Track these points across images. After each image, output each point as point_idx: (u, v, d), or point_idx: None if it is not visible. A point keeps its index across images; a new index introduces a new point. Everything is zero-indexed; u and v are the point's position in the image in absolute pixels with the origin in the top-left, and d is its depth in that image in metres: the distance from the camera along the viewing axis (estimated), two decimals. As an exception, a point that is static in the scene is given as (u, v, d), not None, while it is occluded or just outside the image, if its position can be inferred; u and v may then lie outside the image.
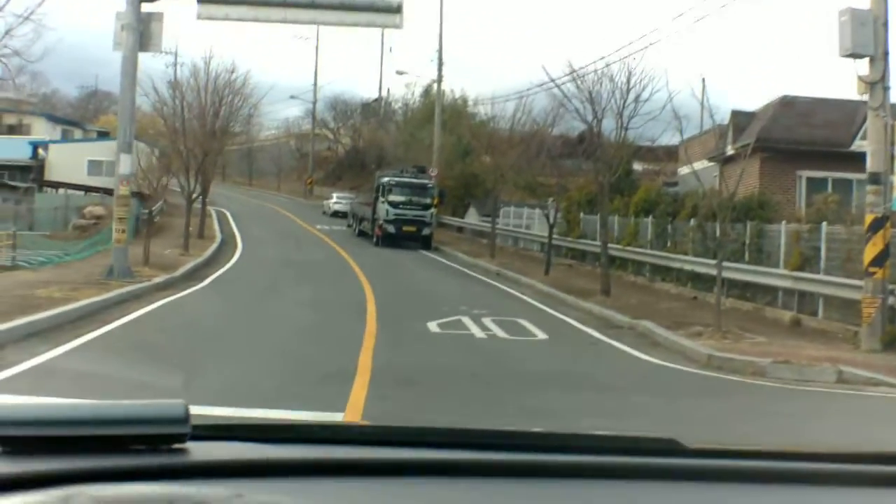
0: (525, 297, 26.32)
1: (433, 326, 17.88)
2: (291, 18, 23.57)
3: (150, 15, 23.61)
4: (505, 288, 29.17)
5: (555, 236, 35.61)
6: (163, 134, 41.91)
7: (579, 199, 40.56)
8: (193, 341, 15.16)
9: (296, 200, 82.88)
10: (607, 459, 2.26)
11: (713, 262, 25.09)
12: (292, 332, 16.61)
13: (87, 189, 50.37)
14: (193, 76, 40.07)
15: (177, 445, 1.91)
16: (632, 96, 25.35)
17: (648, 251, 31.09)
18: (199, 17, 23.68)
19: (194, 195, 37.07)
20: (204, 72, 39.94)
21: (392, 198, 44.82)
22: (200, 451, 1.94)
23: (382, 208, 44.88)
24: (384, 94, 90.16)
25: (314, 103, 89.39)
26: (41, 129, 65.48)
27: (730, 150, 30.38)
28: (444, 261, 39.67)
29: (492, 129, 49.69)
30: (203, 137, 38.42)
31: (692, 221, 28.19)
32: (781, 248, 22.91)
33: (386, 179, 45.77)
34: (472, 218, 55.62)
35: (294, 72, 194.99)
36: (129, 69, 23.34)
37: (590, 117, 26.28)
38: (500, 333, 17.59)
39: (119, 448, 1.86)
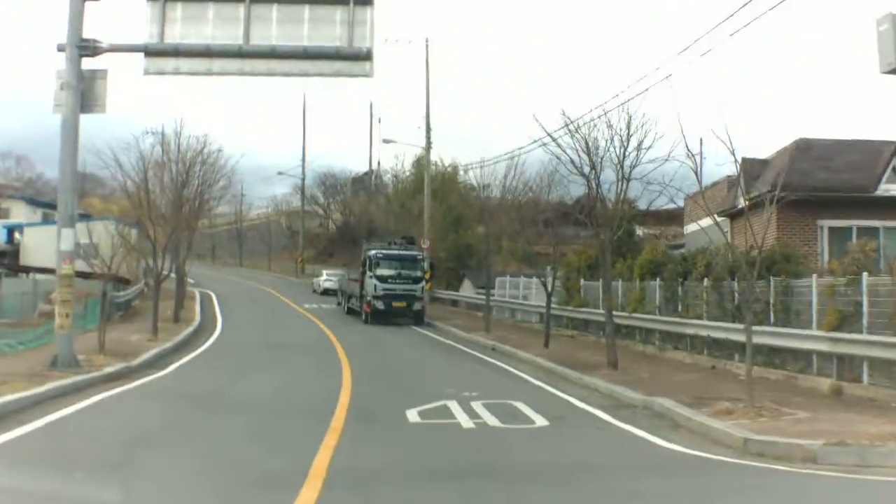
0: (523, 375, 23.56)
1: (413, 415, 15.10)
2: (249, 70, 20.95)
3: (93, 72, 21.09)
4: (500, 364, 26.40)
5: (554, 306, 33.07)
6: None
7: (578, 264, 37.97)
8: (121, 445, 12.36)
9: (286, 279, 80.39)
10: None
11: (733, 325, 22.45)
12: (242, 430, 13.81)
13: (78, 276, 47.82)
14: (161, 145, 37.68)
15: None
16: (633, 143, 22.75)
17: (658, 317, 28.28)
18: (147, 72, 21.05)
19: (164, 273, 34.20)
20: (174, 142, 37.62)
21: (380, 272, 42.19)
22: None
23: (370, 283, 42.22)
24: (375, 166, 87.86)
25: (303, 179, 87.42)
26: (21, 213, 63.37)
27: (741, 203, 27.65)
28: (436, 337, 36.90)
29: (484, 196, 47.31)
30: (172, 211, 35.94)
31: (706, 281, 25.47)
32: (813, 306, 20.06)
33: (373, 252, 43.16)
34: (467, 290, 52.95)
35: (281, 149, 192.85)
36: (70, 133, 20.74)
37: (587, 169, 23.57)
38: (492, 421, 14.80)
39: None
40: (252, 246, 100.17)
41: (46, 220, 63.37)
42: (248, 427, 14.09)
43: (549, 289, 31.79)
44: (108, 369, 20.71)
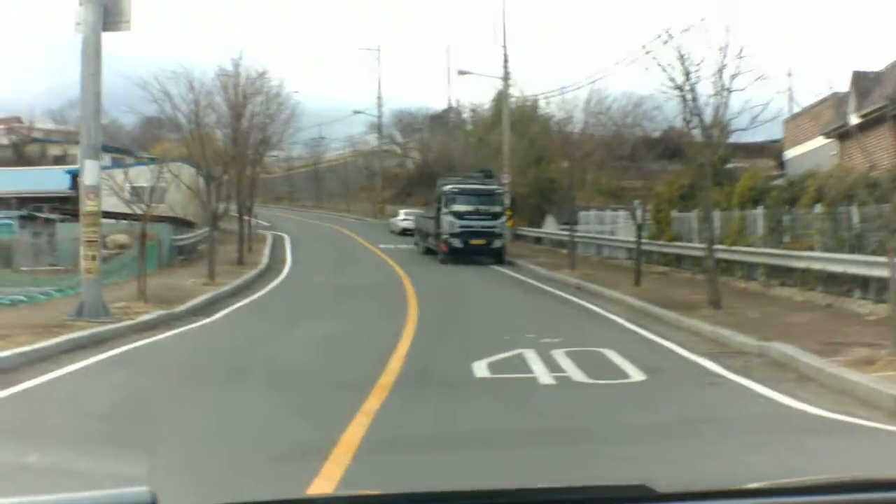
0: (612, 317, 20.90)
1: (481, 368, 12.55)
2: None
3: (115, -17, 18.71)
4: (586, 305, 23.76)
5: (644, 240, 30.14)
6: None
7: (669, 195, 34.96)
8: (122, 407, 10.04)
9: (364, 221, 78.16)
10: None
11: (854, 257, 19.52)
12: (273, 391, 11.43)
13: (127, 217, 46.00)
14: (219, 78, 35.31)
15: None
16: (733, 51, 19.78)
17: (762, 249, 25.26)
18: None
19: (221, 213, 31.95)
20: (233, 73, 35.33)
21: (456, 208, 39.59)
22: None
23: (446, 220, 39.66)
24: (453, 103, 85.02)
25: (379, 118, 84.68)
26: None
27: (853, 120, 24.52)
28: (516, 276, 34.26)
29: (567, 129, 44.40)
30: (230, 145, 33.76)
31: (818, 208, 22.46)
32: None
33: (448, 188, 40.54)
34: (550, 227, 50.12)
35: (358, 87, 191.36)
36: (91, 53, 18.35)
37: (681, 79, 20.61)
38: (576, 374, 12.21)
39: None
40: (330, 188, 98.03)
41: (115, 165, 61.91)
42: (280, 387, 11.67)
43: (640, 220, 28.91)
44: (144, 317, 18.52)
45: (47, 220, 40.11)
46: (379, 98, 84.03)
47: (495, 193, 40.82)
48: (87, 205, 18.32)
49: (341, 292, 27.11)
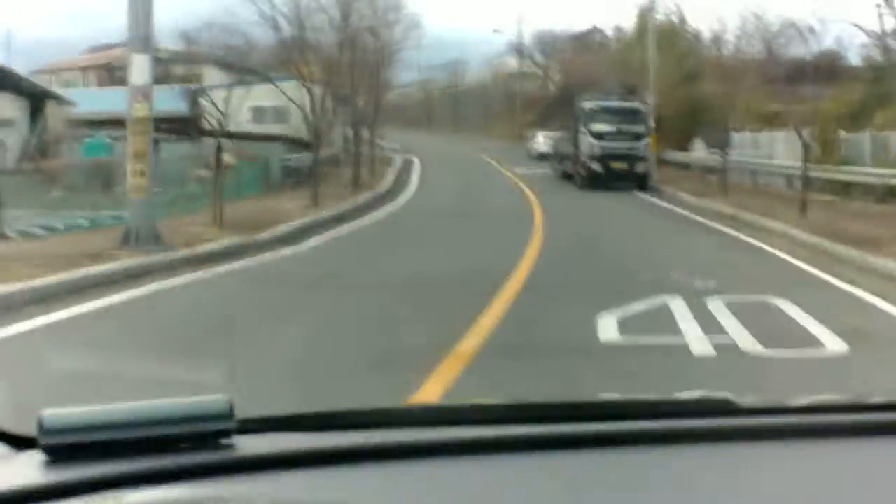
0: (777, 252, 17.20)
1: (608, 327, 9.04)
2: None
3: None
4: (744, 238, 20.02)
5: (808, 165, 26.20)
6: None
7: (837, 112, 30.64)
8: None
9: (503, 145, 74.59)
10: (662, 424, 2.16)
11: None
12: (316, 353, 8.28)
13: (249, 137, 43.55)
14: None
15: (223, 441, 1.81)
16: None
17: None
18: None
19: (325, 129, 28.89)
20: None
21: (596, 127, 35.84)
22: (248, 445, 1.84)
23: (585, 142, 35.95)
24: (599, 25, 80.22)
25: (519, 39, 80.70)
26: (213, 79, 59.34)
27: None
28: (661, 203, 30.54)
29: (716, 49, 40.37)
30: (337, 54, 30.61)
31: None
32: None
33: (588, 105, 36.78)
34: (699, 151, 45.81)
35: (499, 9, 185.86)
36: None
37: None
38: (744, 340, 8.59)
39: (164, 449, 1.76)
40: (469, 112, 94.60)
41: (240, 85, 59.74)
42: (327, 356, 8.46)
43: (807, 140, 24.87)
44: (208, 247, 15.58)
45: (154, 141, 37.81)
46: (519, 17, 79.80)
47: (638, 112, 36.90)
48: (136, 108, 15.30)
49: (459, 219, 24.01)
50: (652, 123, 38.36)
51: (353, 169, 33.43)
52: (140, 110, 15.20)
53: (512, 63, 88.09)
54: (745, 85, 32.69)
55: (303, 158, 38.54)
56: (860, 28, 16.64)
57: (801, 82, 51.87)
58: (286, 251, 16.87)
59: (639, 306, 10.21)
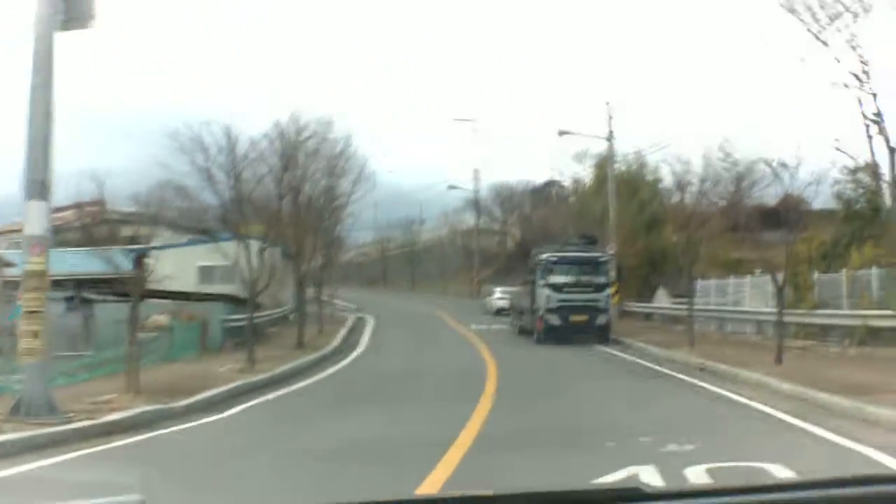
0: (757, 405, 15.31)
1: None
2: None
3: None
4: (719, 391, 18.14)
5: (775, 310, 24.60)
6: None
7: (809, 254, 29.16)
8: None
9: (460, 301, 73.05)
10: None
11: None
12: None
13: (187, 297, 41.59)
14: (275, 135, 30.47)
15: None
16: None
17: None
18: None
19: (259, 288, 26.83)
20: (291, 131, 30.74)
21: (554, 279, 34.25)
22: None
23: (542, 294, 34.27)
24: (556, 177, 79.38)
25: (476, 193, 79.82)
26: (165, 239, 57.86)
27: None
28: (625, 357, 28.67)
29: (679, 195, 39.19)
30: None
31: None
32: None
33: (545, 256, 35.20)
34: (662, 300, 44.31)
35: (453, 166, 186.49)
36: (42, 55, 13.60)
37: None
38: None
39: None
40: (426, 269, 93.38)
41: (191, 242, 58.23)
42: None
43: (781, 283, 23.18)
44: (112, 417, 13.54)
45: (86, 301, 35.64)
46: (476, 172, 79.27)
47: (599, 262, 35.33)
48: (31, 262, 13.35)
49: (406, 380, 22.08)
50: (613, 273, 36.90)
51: (298, 328, 31.40)
52: (35, 264, 13.23)
53: (469, 219, 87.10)
54: (709, 231, 31.29)
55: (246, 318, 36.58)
56: (843, 152, 15.74)
57: (763, 228, 53.59)
58: (205, 420, 14.85)
59: (604, 479, 8.22)
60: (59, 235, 64.47)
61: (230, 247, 29.22)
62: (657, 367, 24.50)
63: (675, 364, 25.01)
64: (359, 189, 38.93)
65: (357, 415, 15.67)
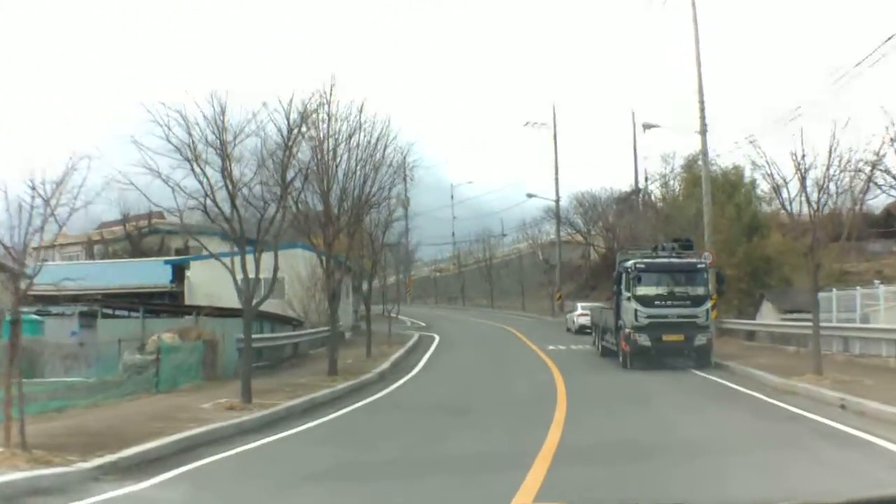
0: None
1: None
2: None
3: None
4: (875, 442, 12.55)
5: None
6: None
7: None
8: None
9: (541, 319, 67.36)
10: None
11: None
12: None
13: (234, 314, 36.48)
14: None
15: None
16: None
17: None
18: None
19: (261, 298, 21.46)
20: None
21: (642, 291, 28.55)
22: None
23: (629, 309, 28.60)
24: (641, 182, 72.87)
25: (557, 201, 73.81)
26: (216, 250, 53.19)
27: None
28: (735, 388, 22.87)
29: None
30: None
31: None
32: None
33: (630, 263, 29.45)
34: (768, 317, 38.19)
35: (530, 175, 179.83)
36: None
37: None
38: None
39: None
40: (505, 284, 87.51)
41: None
42: None
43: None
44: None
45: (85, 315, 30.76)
46: (556, 178, 73.23)
47: (697, 270, 29.35)
48: None
49: (449, 418, 16.76)
50: (714, 283, 31.07)
51: (330, 350, 26.11)
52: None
53: (549, 229, 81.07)
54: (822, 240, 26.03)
55: (271, 337, 31.34)
56: None
57: (868, 237, 47.63)
58: (99, 497, 9.68)
59: None
60: (109, 246, 60.59)
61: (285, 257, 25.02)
62: (779, 403, 18.82)
63: (801, 398, 19.31)
64: (398, 181, 33.78)
65: (364, 477, 10.40)
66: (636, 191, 72.76)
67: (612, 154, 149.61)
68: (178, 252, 53.44)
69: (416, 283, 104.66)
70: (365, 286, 39.90)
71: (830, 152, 22.72)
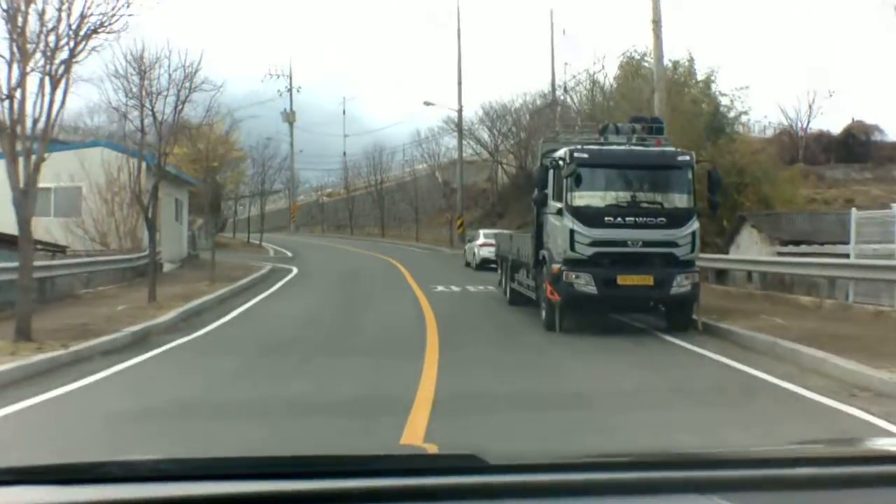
0: None
1: None
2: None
3: None
4: None
5: None
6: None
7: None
8: None
9: (437, 251, 56.77)
10: (408, 481, 2.18)
11: None
12: None
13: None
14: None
15: None
16: None
17: None
18: None
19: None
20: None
21: (584, 200, 17.03)
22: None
23: (560, 230, 17.09)
24: (560, 93, 61.14)
25: (459, 110, 61.74)
26: None
27: None
28: (748, 370, 11.98)
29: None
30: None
31: None
32: None
33: (564, 152, 17.42)
34: (752, 249, 26.74)
35: (429, 78, 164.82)
36: None
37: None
38: None
39: None
40: (400, 211, 75.50)
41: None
42: None
43: None
44: None
45: None
46: (459, 84, 61.32)
47: (676, 164, 17.39)
48: None
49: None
50: (705, 192, 18.79)
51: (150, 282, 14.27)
52: None
53: (451, 144, 69.13)
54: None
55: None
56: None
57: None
58: None
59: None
60: None
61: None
62: (839, 405, 8.28)
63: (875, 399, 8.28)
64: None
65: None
66: (553, 102, 61.39)
67: (530, 63, 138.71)
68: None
69: (302, 209, 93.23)
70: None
71: None
